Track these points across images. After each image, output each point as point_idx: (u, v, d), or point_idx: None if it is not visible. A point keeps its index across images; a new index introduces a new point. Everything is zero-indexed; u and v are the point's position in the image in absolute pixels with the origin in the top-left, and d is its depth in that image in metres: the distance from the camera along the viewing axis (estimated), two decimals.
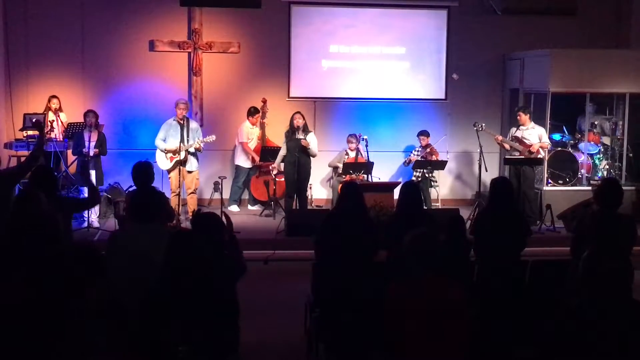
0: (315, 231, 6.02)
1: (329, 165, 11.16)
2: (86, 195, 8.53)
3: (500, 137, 10.43)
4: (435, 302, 3.67)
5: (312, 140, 10.04)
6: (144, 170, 6.15)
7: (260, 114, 10.92)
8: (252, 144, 10.97)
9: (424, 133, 11.06)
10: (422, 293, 3.68)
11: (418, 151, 11.08)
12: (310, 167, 10.24)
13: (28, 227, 4.22)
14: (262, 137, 11.06)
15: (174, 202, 9.45)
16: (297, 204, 10.11)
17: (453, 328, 3.67)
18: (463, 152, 11.91)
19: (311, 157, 10.16)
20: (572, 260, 5.15)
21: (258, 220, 10.43)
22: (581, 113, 11.17)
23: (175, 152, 9.63)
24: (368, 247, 5.73)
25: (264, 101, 10.94)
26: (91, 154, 9.38)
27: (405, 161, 11.04)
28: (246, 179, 11.13)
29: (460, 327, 3.71)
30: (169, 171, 9.77)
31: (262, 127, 11.06)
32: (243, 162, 10.98)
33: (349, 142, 10.82)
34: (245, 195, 11.40)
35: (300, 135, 9.94)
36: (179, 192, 9.72)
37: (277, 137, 10.80)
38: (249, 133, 10.93)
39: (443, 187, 11.68)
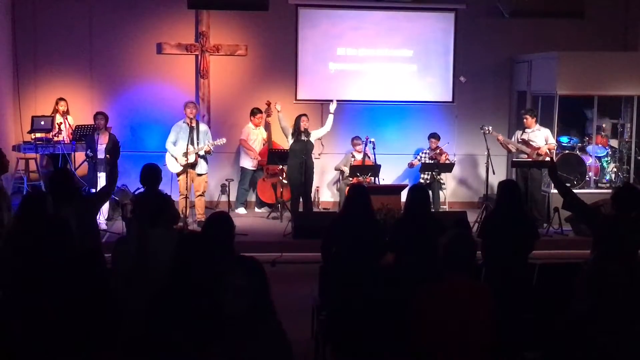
0: (322, 234, 6.02)
1: (335, 169, 11.18)
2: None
3: (501, 137, 10.39)
4: (464, 304, 3.64)
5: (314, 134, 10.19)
6: (150, 173, 6.20)
7: (264, 114, 10.91)
8: (256, 146, 10.96)
9: (434, 136, 11.05)
10: (452, 295, 3.66)
11: (426, 153, 11.08)
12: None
13: (47, 231, 4.13)
14: (269, 140, 11.06)
15: (181, 204, 9.48)
16: (303, 206, 10.12)
17: (480, 330, 3.65)
18: (470, 154, 11.89)
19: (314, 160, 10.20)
20: (584, 263, 5.13)
21: (265, 223, 10.43)
22: (589, 116, 11.14)
23: (186, 158, 9.63)
24: (375, 249, 5.72)
25: (268, 104, 10.94)
26: (100, 156, 9.40)
27: (409, 164, 11.06)
28: (252, 181, 11.13)
29: (487, 330, 3.68)
30: (178, 174, 9.78)
31: (268, 128, 11.06)
32: (247, 163, 10.98)
33: (355, 144, 10.83)
34: (252, 198, 11.40)
35: (304, 138, 9.97)
36: (187, 194, 9.73)
37: (284, 140, 10.81)
38: (250, 134, 10.94)
39: (449, 190, 11.67)
